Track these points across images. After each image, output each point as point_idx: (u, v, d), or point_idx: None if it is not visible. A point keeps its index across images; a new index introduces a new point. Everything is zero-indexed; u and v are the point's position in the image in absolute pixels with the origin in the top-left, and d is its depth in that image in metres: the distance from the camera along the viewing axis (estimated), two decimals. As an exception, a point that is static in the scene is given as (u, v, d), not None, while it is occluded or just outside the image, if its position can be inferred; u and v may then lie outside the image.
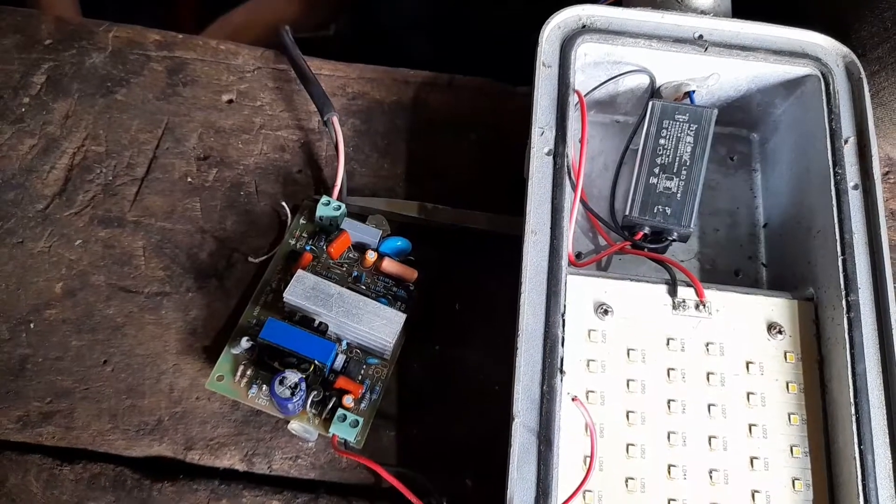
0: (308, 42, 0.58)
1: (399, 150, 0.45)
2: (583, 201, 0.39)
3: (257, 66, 0.47)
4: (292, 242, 0.40)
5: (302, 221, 0.41)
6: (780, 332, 0.35)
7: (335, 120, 0.42)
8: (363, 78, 0.47)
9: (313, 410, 0.35)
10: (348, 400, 0.35)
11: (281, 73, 0.46)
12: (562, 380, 0.32)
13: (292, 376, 0.33)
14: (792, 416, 0.34)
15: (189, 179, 0.43)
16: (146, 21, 0.48)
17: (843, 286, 0.34)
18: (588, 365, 0.34)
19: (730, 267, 0.41)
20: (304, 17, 0.63)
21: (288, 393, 0.33)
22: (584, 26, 0.38)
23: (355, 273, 0.39)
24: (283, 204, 0.41)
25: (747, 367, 0.34)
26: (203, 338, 0.38)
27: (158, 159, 0.43)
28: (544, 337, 0.32)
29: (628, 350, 0.34)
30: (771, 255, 0.41)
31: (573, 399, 0.30)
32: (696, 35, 0.38)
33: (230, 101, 0.45)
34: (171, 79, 0.46)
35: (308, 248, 0.40)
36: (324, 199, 0.40)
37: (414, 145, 0.45)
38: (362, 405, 0.36)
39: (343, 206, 0.40)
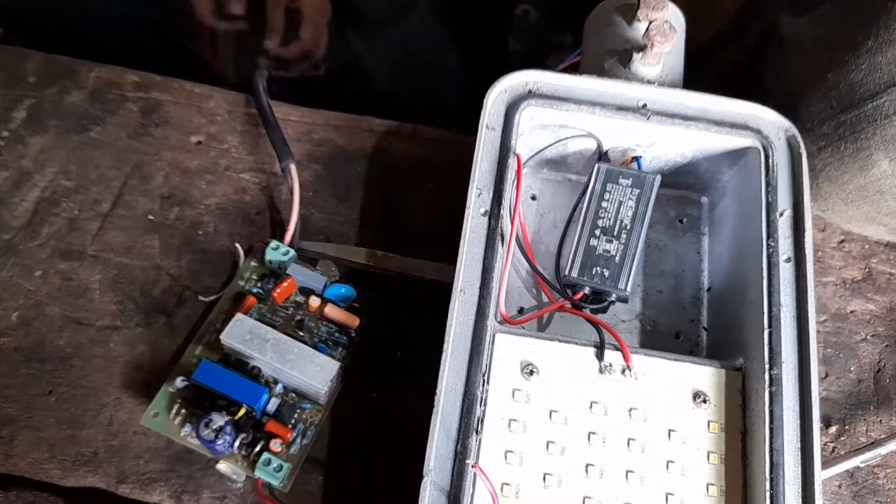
0: (297, 81, 0.60)
1: (356, 197, 0.46)
2: (528, 259, 0.40)
3: (229, 110, 0.48)
4: (241, 284, 0.41)
5: (253, 264, 0.42)
6: (704, 400, 0.35)
7: (292, 167, 0.43)
8: (329, 125, 0.48)
9: (242, 452, 0.36)
10: (276, 444, 0.36)
11: (250, 117, 0.48)
12: (478, 441, 0.32)
13: (218, 420, 0.34)
14: (710, 486, 0.34)
15: (151, 217, 0.44)
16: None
17: (767, 359, 0.34)
18: (510, 425, 0.34)
19: (671, 329, 0.41)
20: None
21: (212, 436, 0.34)
22: (530, 91, 0.39)
23: (299, 317, 0.40)
24: (237, 245, 0.42)
25: (669, 436, 0.34)
26: (147, 373, 0.39)
27: (123, 196, 0.45)
28: (463, 396, 0.33)
29: (551, 412, 0.35)
30: (712, 320, 0.41)
31: (473, 466, 0.30)
32: (640, 104, 0.39)
33: (199, 143, 0.47)
34: (145, 119, 0.47)
35: (255, 290, 0.41)
36: (273, 243, 0.41)
37: (372, 192, 0.46)
38: (292, 449, 0.37)
39: (291, 251, 0.41)
